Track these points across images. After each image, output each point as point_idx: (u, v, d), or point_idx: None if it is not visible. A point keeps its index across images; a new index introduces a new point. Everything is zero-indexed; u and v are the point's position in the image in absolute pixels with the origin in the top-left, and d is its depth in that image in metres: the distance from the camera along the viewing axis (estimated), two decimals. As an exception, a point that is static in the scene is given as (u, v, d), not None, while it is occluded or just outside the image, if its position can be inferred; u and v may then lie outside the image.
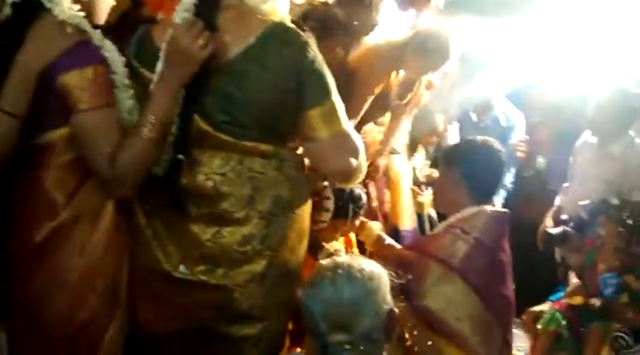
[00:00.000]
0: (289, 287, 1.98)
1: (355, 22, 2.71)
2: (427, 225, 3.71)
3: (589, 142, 3.60)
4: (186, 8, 1.74)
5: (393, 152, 3.39)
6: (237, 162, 1.83)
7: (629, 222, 2.98)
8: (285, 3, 1.89)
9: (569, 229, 3.28)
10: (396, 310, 1.66)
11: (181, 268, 1.84)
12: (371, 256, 2.66)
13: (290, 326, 2.32)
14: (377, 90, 2.89)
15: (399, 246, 2.65)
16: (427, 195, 3.65)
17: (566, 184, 3.77)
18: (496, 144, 2.58)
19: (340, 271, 1.62)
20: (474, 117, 4.25)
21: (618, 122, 3.42)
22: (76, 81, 1.68)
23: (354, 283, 1.60)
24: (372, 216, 3.16)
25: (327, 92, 1.84)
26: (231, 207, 1.84)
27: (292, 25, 1.84)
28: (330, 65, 1.90)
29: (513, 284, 2.42)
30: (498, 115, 4.25)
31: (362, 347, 1.56)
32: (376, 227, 2.71)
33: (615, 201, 3.05)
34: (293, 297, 1.98)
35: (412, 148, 3.70)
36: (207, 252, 1.85)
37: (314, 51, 1.82)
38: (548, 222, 3.65)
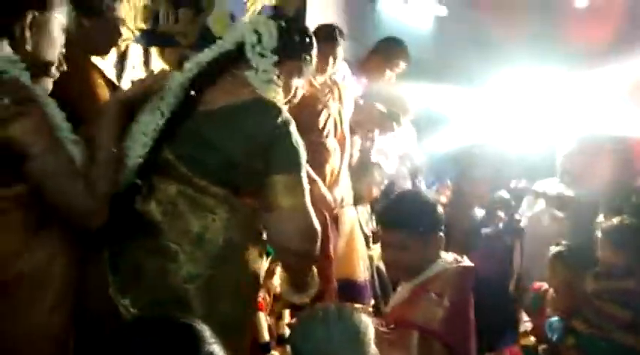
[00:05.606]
0: (235, 336, 1.87)
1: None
2: (376, 278, 3.73)
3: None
4: (198, 62, 1.97)
5: (343, 204, 3.46)
6: (192, 196, 1.85)
7: (576, 267, 3.12)
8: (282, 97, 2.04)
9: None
10: None
11: (125, 301, 1.81)
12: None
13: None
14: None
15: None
16: (376, 249, 3.62)
17: None
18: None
19: (331, 311, 1.67)
20: None
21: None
22: None
23: (344, 323, 1.63)
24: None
25: (296, 164, 1.90)
26: (178, 239, 1.83)
27: (278, 105, 1.94)
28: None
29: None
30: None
31: None
32: None
33: (565, 246, 3.19)
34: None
35: (356, 202, 3.72)
36: (150, 284, 1.83)
37: (292, 128, 1.91)
38: None
